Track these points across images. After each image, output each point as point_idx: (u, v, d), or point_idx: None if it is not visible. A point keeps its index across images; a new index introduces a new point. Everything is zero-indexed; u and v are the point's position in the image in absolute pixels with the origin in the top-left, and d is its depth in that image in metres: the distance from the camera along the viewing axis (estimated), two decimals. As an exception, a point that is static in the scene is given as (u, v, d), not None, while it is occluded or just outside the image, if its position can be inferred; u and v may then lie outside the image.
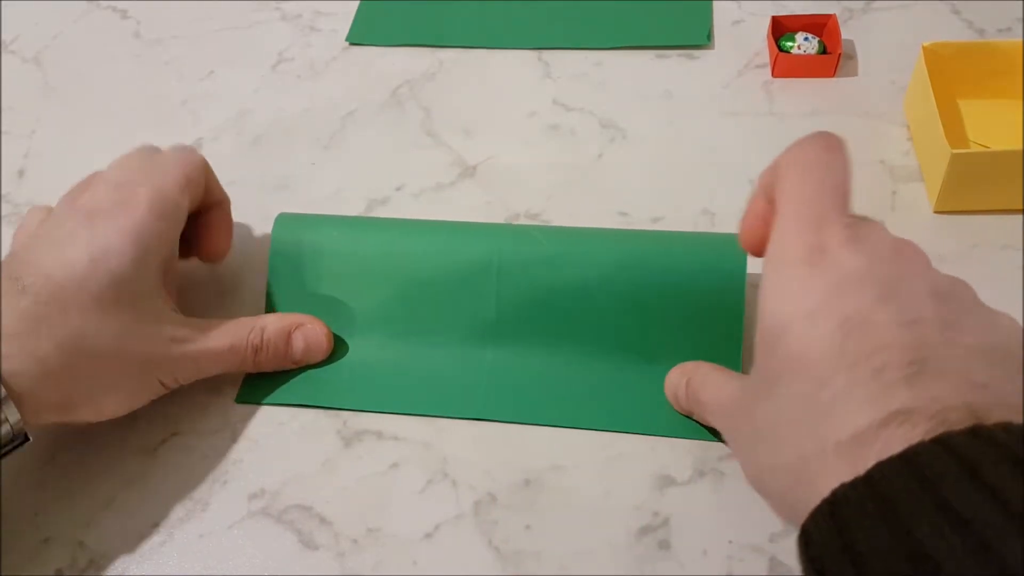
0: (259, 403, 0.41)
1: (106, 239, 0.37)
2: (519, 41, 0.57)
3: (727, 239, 0.43)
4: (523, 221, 0.48)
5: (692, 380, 0.38)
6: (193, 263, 0.45)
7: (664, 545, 0.36)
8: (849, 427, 0.27)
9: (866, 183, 0.48)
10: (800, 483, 0.28)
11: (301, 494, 0.39)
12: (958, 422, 0.25)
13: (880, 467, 0.25)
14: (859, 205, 0.47)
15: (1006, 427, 0.25)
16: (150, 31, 0.60)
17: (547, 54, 0.56)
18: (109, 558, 0.37)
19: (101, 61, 0.59)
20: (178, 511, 0.38)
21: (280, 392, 0.42)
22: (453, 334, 0.42)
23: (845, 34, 0.54)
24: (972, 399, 0.26)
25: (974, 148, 0.48)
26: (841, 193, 0.33)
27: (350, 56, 0.57)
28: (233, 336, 0.41)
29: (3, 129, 0.55)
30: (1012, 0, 0.56)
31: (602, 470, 0.38)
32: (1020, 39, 0.51)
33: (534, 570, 0.36)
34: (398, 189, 0.50)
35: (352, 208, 0.49)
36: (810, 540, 0.26)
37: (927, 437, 0.25)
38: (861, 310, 0.28)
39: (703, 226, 0.47)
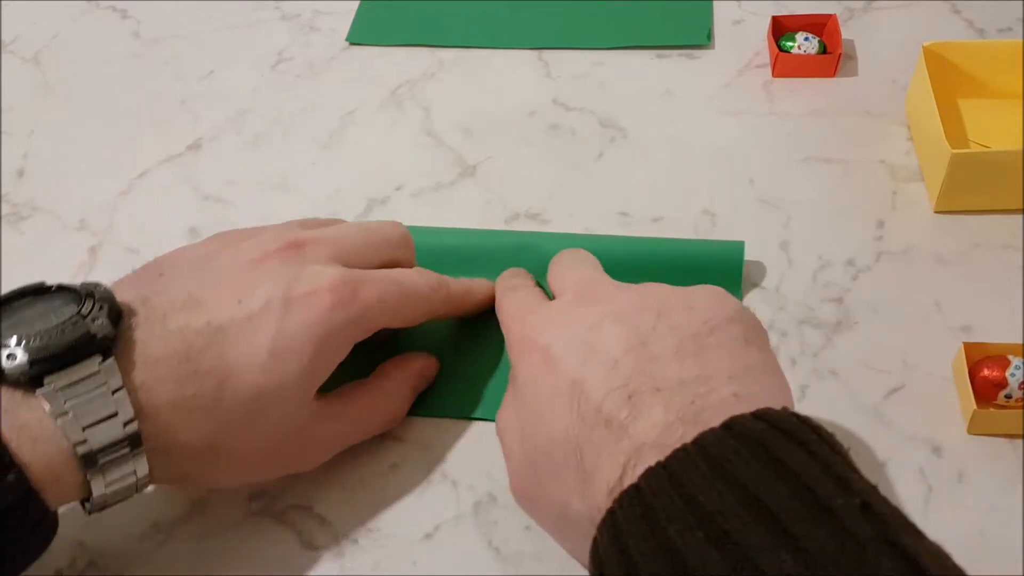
0: None
1: (294, 335, 0.34)
2: (519, 41, 0.57)
3: (723, 244, 0.43)
4: (523, 221, 0.48)
5: (516, 292, 0.39)
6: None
7: (664, 545, 0.36)
8: (605, 487, 0.29)
9: (866, 183, 0.48)
10: (583, 542, 0.30)
11: (301, 494, 0.39)
12: (677, 436, 0.28)
13: (646, 475, 0.28)
14: (860, 205, 0.47)
15: (760, 416, 0.28)
16: (149, 31, 0.60)
17: (547, 54, 0.56)
18: (109, 558, 0.37)
19: (100, 61, 0.59)
20: (178, 511, 0.38)
21: None
22: (460, 335, 0.42)
23: (845, 34, 0.54)
24: (688, 399, 0.29)
25: (974, 148, 0.48)
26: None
27: (350, 56, 0.57)
28: (371, 414, 0.39)
29: (3, 129, 0.55)
30: (1012, 0, 0.56)
31: (602, 470, 0.38)
32: (1020, 39, 0.51)
33: (534, 571, 0.36)
34: (398, 189, 0.50)
35: (352, 208, 0.49)
36: (596, 549, 0.28)
37: (659, 461, 0.28)
38: (578, 377, 0.31)
39: (703, 226, 0.47)
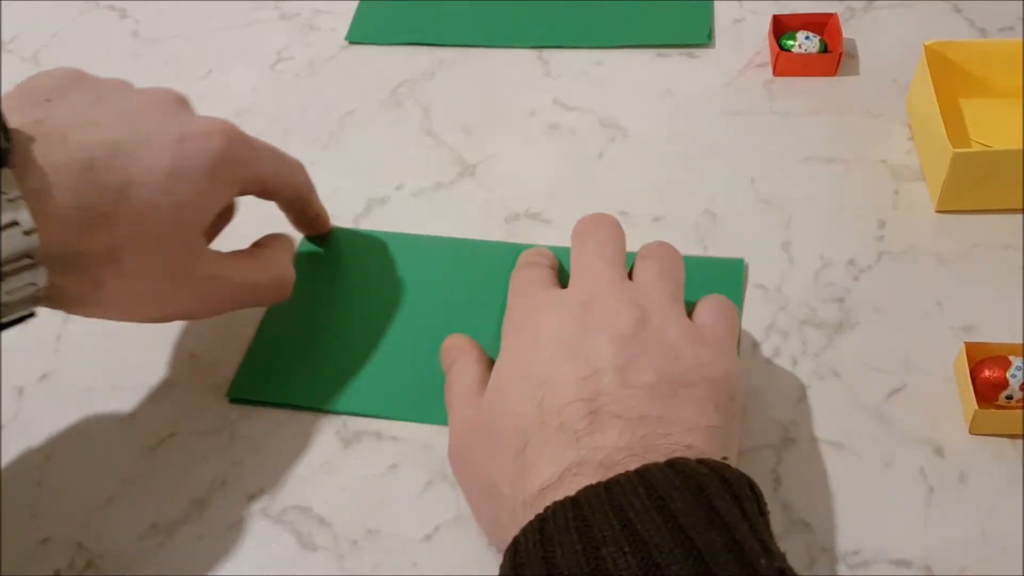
0: (250, 401, 0.41)
1: (191, 159, 0.36)
2: (519, 40, 0.57)
3: (723, 263, 0.43)
4: (523, 221, 0.47)
5: (451, 371, 0.39)
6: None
7: (665, 546, 0.36)
8: (537, 484, 0.30)
9: (868, 183, 0.48)
10: (503, 532, 0.31)
11: (300, 495, 0.39)
12: (621, 463, 0.30)
13: (586, 491, 0.29)
14: (861, 205, 0.47)
15: (703, 461, 0.29)
16: (149, 30, 0.60)
17: (547, 53, 0.56)
18: (108, 559, 0.37)
19: (100, 60, 0.58)
20: (177, 512, 0.38)
21: (269, 391, 0.42)
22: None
23: (846, 33, 0.54)
24: (643, 434, 0.30)
25: (976, 147, 0.47)
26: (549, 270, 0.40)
27: (349, 55, 0.57)
28: (262, 272, 0.41)
29: (2, 128, 0.55)
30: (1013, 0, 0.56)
31: (603, 471, 0.38)
32: (1021, 38, 0.51)
33: (534, 571, 0.36)
34: (397, 188, 0.50)
35: (351, 208, 0.49)
36: (517, 549, 0.29)
37: (598, 480, 0.29)
38: (552, 374, 0.33)
39: (704, 226, 0.46)
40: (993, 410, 0.38)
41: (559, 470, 0.30)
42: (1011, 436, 0.38)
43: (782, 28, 0.54)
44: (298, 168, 0.43)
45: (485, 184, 0.49)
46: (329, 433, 0.40)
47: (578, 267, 0.38)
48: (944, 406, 0.39)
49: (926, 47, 0.48)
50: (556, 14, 0.58)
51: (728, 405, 0.33)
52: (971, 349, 0.39)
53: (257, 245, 0.42)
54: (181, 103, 0.39)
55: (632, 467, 0.29)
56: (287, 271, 0.42)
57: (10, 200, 0.31)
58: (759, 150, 0.50)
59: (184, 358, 0.43)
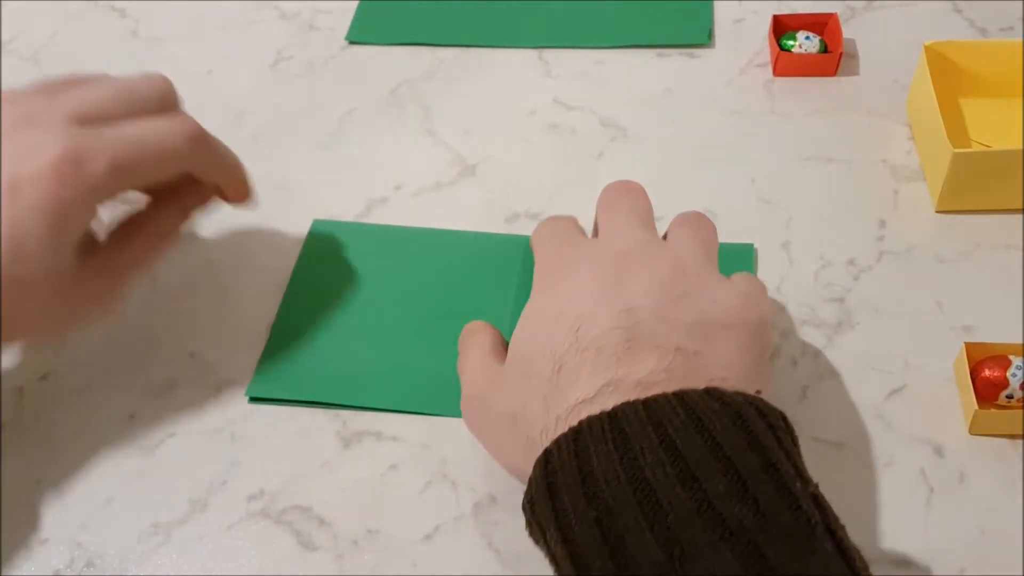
0: (268, 400, 0.41)
1: (23, 223, 0.34)
2: (519, 40, 0.57)
3: (736, 247, 0.44)
4: (523, 221, 0.47)
5: (466, 341, 0.39)
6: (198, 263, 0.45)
7: (665, 546, 0.36)
8: (571, 399, 0.31)
9: (868, 182, 0.48)
10: (532, 451, 0.32)
11: (300, 495, 0.38)
12: (658, 385, 0.30)
13: (623, 406, 0.29)
14: (861, 205, 0.47)
15: (739, 392, 0.30)
16: (148, 30, 0.60)
17: (547, 53, 0.56)
18: (108, 558, 0.37)
19: (99, 60, 0.58)
20: (177, 512, 0.38)
21: (289, 388, 0.41)
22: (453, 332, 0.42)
23: (846, 33, 0.54)
24: (680, 363, 0.31)
25: (976, 147, 0.47)
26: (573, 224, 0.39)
27: (349, 55, 0.57)
28: (141, 238, 0.40)
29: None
30: (1013, 0, 0.56)
31: (603, 471, 0.38)
32: (1022, 38, 0.51)
33: (534, 571, 0.36)
34: (397, 188, 0.50)
35: (351, 208, 0.49)
36: (549, 459, 0.30)
37: (638, 399, 0.29)
38: (591, 308, 0.33)
39: (704, 226, 0.46)
40: (993, 410, 0.38)
41: (596, 386, 0.31)
42: (1011, 436, 0.38)
43: (782, 28, 0.54)
44: (174, 148, 0.38)
45: (485, 184, 0.49)
46: (329, 433, 0.40)
47: (610, 226, 0.37)
48: (944, 406, 0.39)
49: (926, 47, 0.48)
50: (556, 14, 0.58)
51: (763, 347, 0.34)
52: (971, 349, 0.39)
53: (149, 210, 0.40)
54: (24, 124, 0.36)
55: (669, 390, 0.30)
56: (176, 233, 0.41)
57: None
58: (759, 150, 0.50)
59: (184, 358, 0.43)
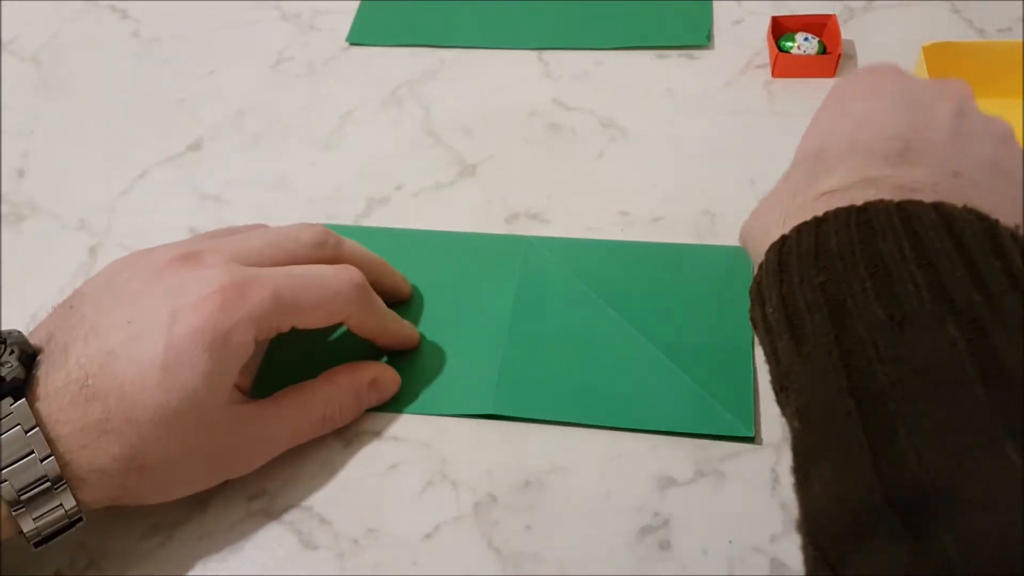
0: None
1: (183, 345, 0.33)
2: (519, 41, 0.57)
3: (735, 248, 0.44)
4: (523, 221, 0.48)
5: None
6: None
7: (664, 545, 0.36)
8: (825, 186, 0.31)
9: (866, 183, 0.48)
10: (769, 237, 0.32)
11: (301, 494, 0.39)
12: (920, 192, 0.30)
13: (876, 203, 0.29)
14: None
15: (999, 222, 0.29)
16: (149, 30, 0.60)
17: (547, 54, 0.56)
18: (109, 558, 0.37)
19: (100, 60, 0.59)
20: (178, 511, 0.38)
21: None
22: (467, 332, 0.43)
23: (845, 34, 0.54)
24: (951, 185, 0.30)
25: (974, 148, 0.48)
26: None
27: (350, 55, 0.57)
28: (305, 416, 0.38)
29: (3, 129, 0.55)
30: (1012, 0, 0.56)
31: (602, 471, 0.38)
32: (1020, 39, 0.51)
33: (534, 571, 0.36)
34: (398, 188, 0.50)
35: (351, 208, 0.49)
36: (785, 242, 0.30)
37: (893, 200, 0.29)
38: (881, 114, 0.33)
39: (703, 226, 0.46)
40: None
41: (852, 180, 0.31)
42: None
43: (781, 29, 0.54)
44: (333, 290, 0.37)
45: (485, 184, 0.50)
46: (330, 433, 0.40)
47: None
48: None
49: (925, 48, 0.48)
50: (556, 15, 0.58)
51: None
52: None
53: (325, 378, 0.39)
54: (186, 260, 0.35)
55: (929, 200, 0.29)
56: (341, 415, 0.39)
57: (26, 431, 0.32)
58: (758, 151, 0.50)
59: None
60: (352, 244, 0.41)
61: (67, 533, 0.34)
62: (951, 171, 0.31)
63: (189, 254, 0.36)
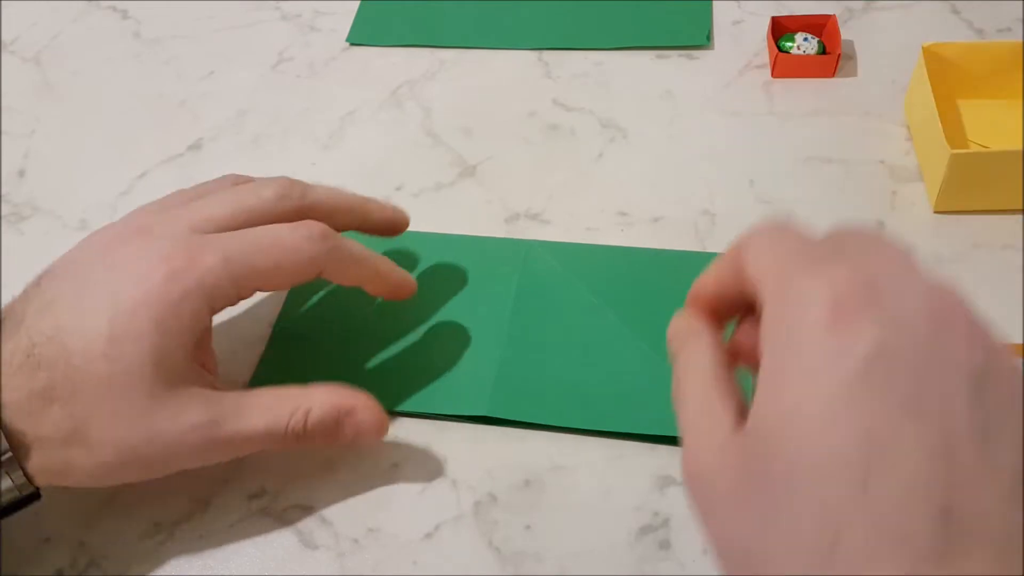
0: None
1: (128, 316, 0.33)
2: (519, 41, 0.57)
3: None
4: (523, 221, 0.48)
5: (678, 359, 0.30)
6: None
7: (664, 545, 0.36)
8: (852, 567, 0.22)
9: (866, 183, 0.48)
10: None
11: (301, 494, 0.39)
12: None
13: None
14: (859, 206, 0.47)
15: None
16: (150, 31, 0.60)
17: (547, 54, 0.56)
18: (109, 558, 0.37)
19: (101, 61, 0.59)
20: (178, 511, 0.38)
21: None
22: (467, 333, 0.43)
23: (845, 34, 0.54)
24: (1010, 563, 0.21)
25: (974, 148, 0.48)
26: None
27: (350, 56, 0.57)
28: (271, 418, 0.35)
29: (3, 129, 0.55)
30: (1012, 0, 0.56)
31: (602, 470, 0.38)
32: (1020, 39, 0.51)
33: (534, 570, 0.36)
34: (398, 189, 0.50)
35: (352, 208, 0.49)
36: None
37: None
38: (885, 423, 0.22)
39: (703, 226, 0.47)
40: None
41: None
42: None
43: (781, 30, 0.54)
44: (293, 248, 0.36)
45: (485, 184, 0.50)
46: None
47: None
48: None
49: (924, 48, 0.48)
50: (556, 16, 0.58)
51: None
52: (969, 349, 0.39)
53: (301, 392, 0.36)
54: (141, 232, 0.35)
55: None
56: (300, 440, 0.35)
57: None
58: (758, 151, 0.50)
59: (185, 358, 0.43)
60: (323, 189, 0.39)
61: (27, 509, 0.34)
62: (1004, 531, 0.21)
63: (141, 227, 0.36)
